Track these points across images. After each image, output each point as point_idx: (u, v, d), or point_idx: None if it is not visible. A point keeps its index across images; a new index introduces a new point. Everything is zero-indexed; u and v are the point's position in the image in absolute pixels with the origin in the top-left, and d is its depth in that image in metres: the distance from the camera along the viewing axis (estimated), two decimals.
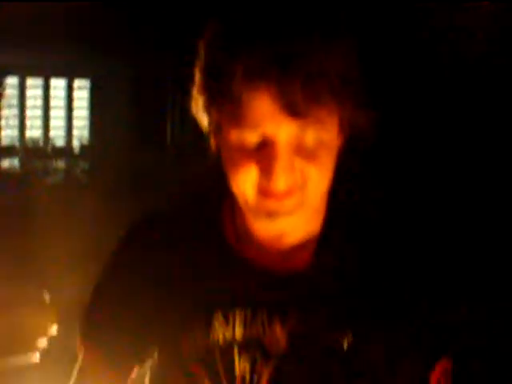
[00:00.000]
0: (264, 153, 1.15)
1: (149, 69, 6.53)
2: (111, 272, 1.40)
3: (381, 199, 1.32)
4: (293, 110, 1.11)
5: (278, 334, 1.27)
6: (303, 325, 1.26)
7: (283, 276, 1.28)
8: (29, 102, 7.62)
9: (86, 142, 7.59)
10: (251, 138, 1.16)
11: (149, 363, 1.39)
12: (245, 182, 1.18)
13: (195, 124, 1.23)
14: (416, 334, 1.29)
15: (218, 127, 1.21)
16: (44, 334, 2.62)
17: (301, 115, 1.11)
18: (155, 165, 6.32)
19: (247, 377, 1.26)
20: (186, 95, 1.21)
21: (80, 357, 1.40)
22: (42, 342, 2.61)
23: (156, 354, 1.37)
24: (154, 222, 1.39)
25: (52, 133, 7.74)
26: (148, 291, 1.33)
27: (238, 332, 1.27)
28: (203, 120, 1.23)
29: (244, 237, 1.30)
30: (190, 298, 1.30)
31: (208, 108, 1.19)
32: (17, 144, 7.57)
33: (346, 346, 1.25)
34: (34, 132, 7.67)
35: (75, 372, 1.44)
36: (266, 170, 1.15)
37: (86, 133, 7.76)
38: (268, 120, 1.12)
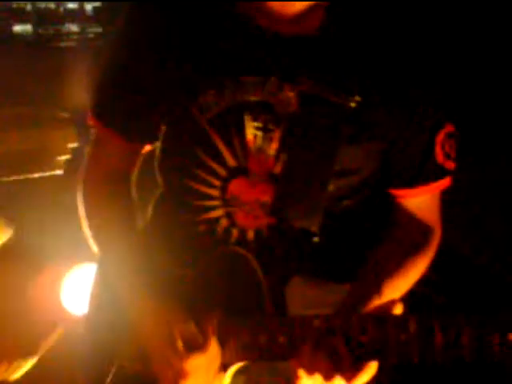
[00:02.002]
0: None
1: None
2: (120, 43, 1.41)
3: None
4: None
5: (289, 97, 1.30)
6: (313, 87, 1.29)
7: (293, 40, 1.29)
8: None
9: (98, 4, 7.49)
10: None
11: (159, 142, 1.42)
12: None
13: None
14: (421, 100, 1.33)
15: None
16: (66, 146, 2.75)
17: None
18: None
19: (258, 139, 1.31)
20: None
21: (93, 131, 1.45)
22: (66, 153, 2.75)
23: (165, 130, 1.40)
24: None
25: None
26: (158, 59, 1.35)
27: (249, 95, 1.30)
28: None
29: (255, 3, 1.31)
30: (202, 64, 1.32)
31: None
32: (29, 8, 7.48)
33: (353, 105, 1.29)
34: None
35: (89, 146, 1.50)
36: None
37: None
38: None
